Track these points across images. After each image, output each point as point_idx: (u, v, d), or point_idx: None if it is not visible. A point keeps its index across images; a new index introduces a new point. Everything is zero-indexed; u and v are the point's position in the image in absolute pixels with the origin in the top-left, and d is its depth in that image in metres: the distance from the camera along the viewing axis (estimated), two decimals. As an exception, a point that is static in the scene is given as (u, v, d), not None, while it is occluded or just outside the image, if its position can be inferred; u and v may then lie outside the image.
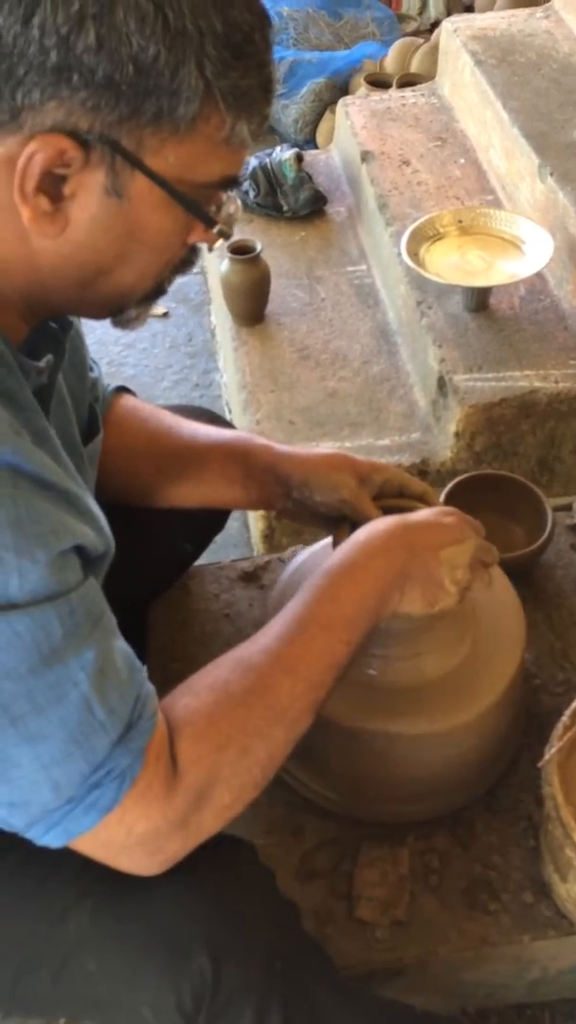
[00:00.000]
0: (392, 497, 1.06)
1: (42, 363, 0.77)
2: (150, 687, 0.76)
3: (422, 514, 0.96)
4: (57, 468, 0.72)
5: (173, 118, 0.66)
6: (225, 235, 0.76)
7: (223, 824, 0.78)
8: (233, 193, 0.77)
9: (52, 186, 0.67)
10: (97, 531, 0.76)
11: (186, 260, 0.79)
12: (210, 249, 0.80)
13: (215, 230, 0.75)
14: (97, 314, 0.80)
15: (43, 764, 0.69)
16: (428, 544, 0.91)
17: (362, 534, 0.92)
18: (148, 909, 0.78)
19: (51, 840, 0.72)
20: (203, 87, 0.65)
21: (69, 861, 0.76)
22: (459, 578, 0.92)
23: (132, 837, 0.73)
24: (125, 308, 0.79)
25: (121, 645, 0.74)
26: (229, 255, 1.88)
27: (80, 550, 0.72)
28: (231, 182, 0.74)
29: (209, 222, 0.74)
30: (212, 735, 0.76)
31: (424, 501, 1.05)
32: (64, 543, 0.68)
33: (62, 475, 0.72)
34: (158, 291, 0.80)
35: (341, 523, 1.03)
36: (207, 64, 0.65)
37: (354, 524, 1.01)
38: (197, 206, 0.72)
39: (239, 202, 0.79)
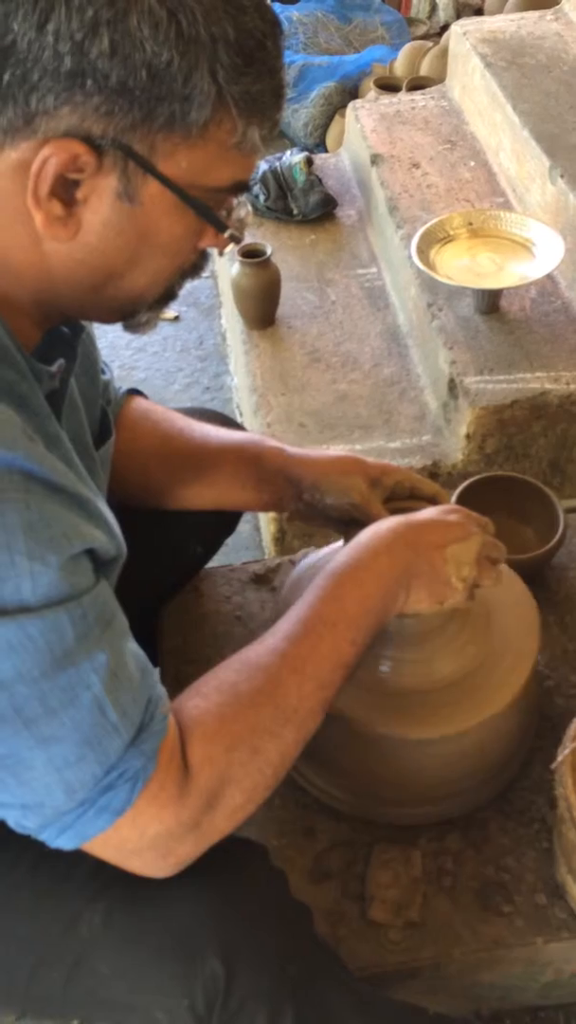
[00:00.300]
0: (403, 499, 1.06)
1: (54, 368, 0.78)
2: (161, 689, 0.76)
3: (426, 513, 0.96)
4: (68, 472, 0.73)
5: (185, 123, 0.66)
6: (236, 239, 0.77)
7: (235, 825, 0.78)
8: (244, 198, 0.77)
9: (65, 191, 0.67)
10: (108, 534, 0.76)
11: (197, 265, 0.80)
12: (220, 253, 0.80)
13: (226, 234, 0.75)
14: (108, 318, 0.80)
15: (56, 767, 0.69)
16: (432, 542, 0.91)
17: (365, 535, 0.92)
18: (161, 912, 0.78)
19: (64, 842, 0.72)
20: (215, 93, 0.66)
21: (82, 863, 0.76)
22: (465, 575, 0.92)
23: (145, 839, 0.73)
24: (136, 312, 0.79)
25: (133, 648, 0.75)
26: (239, 259, 1.89)
27: (91, 553, 0.73)
28: (242, 187, 0.74)
29: (220, 226, 0.74)
30: (222, 736, 0.77)
31: (435, 502, 1.05)
32: (75, 547, 0.69)
33: (73, 479, 0.73)
34: (169, 296, 0.80)
35: (352, 525, 1.04)
36: (219, 70, 0.65)
37: (364, 527, 1.01)
38: (208, 210, 0.72)
39: (250, 207, 0.80)
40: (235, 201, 0.76)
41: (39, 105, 0.64)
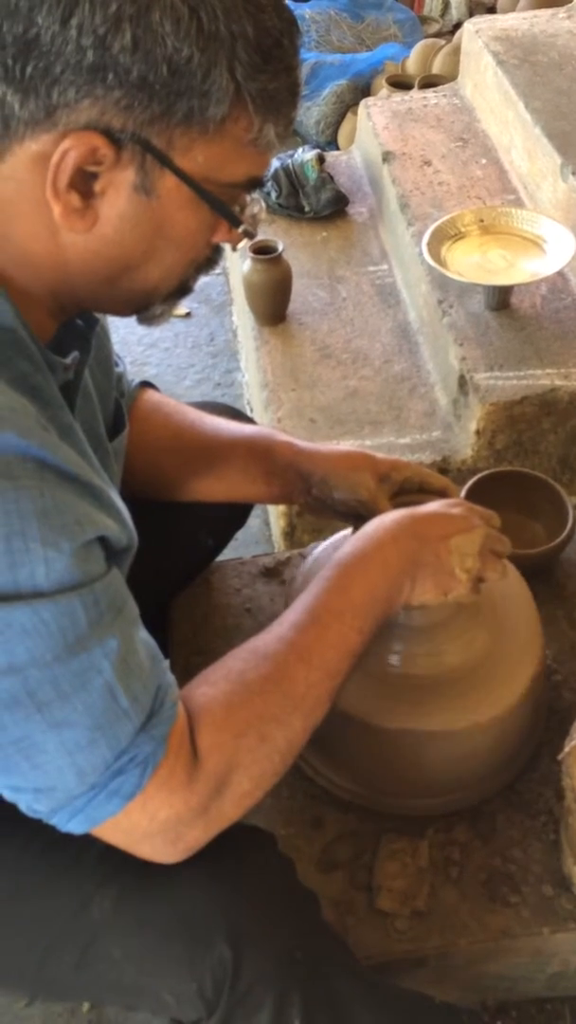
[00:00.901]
0: (413, 493, 1.07)
1: (68, 360, 0.78)
2: (171, 677, 0.77)
3: (430, 506, 0.97)
4: (81, 461, 0.74)
5: (203, 118, 0.67)
6: (250, 234, 0.77)
7: (243, 811, 0.79)
8: (258, 194, 0.79)
9: (83, 183, 0.68)
10: (120, 524, 0.77)
11: (210, 259, 0.80)
12: (234, 248, 0.81)
13: (240, 229, 0.76)
14: (123, 311, 0.81)
15: (68, 750, 0.70)
16: (436, 533, 0.92)
17: (371, 526, 0.93)
18: (170, 896, 0.79)
19: (75, 826, 0.73)
20: (233, 89, 0.67)
21: (92, 848, 0.77)
22: (469, 566, 0.93)
23: (154, 824, 0.74)
24: (151, 305, 0.80)
25: (143, 635, 0.75)
26: (251, 255, 1.89)
27: (104, 541, 0.74)
28: (256, 183, 0.75)
29: (235, 221, 0.75)
30: (231, 723, 0.78)
31: (445, 496, 1.06)
32: (88, 534, 0.70)
33: (86, 468, 0.74)
34: (183, 290, 0.81)
35: (360, 519, 1.04)
36: (238, 67, 0.66)
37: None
38: (223, 205, 0.73)
39: (263, 203, 0.81)
40: (249, 197, 0.77)
41: (60, 98, 0.65)
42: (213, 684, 0.80)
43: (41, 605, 0.66)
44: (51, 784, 0.71)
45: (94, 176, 0.68)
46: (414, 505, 1.00)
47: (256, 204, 0.78)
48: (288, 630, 0.84)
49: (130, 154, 0.68)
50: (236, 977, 0.78)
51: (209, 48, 0.65)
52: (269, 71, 0.68)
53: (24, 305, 0.72)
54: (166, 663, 0.78)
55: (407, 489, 1.07)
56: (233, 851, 0.81)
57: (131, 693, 0.71)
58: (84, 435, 0.80)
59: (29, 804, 0.73)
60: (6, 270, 0.72)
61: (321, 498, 1.08)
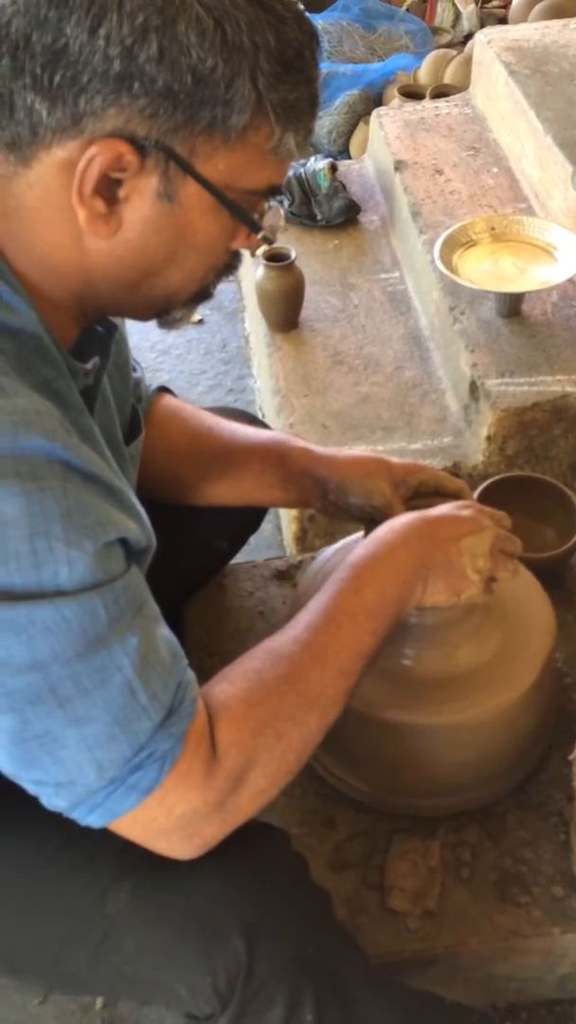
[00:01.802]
0: (427, 496, 1.07)
1: (89, 365, 0.80)
2: (191, 674, 0.78)
3: (440, 508, 0.98)
4: (103, 463, 0.75)
5: (226, 127, 0.69)
6: (268, 240, 0.79)
7: (259, 808, 0.80)
8: (277, 202, 0.80)
9: (108, 189, 0.70)
10: (140, 525, 0.79)
11: (230, 265, 0.82)
12: (252, 254, 0.83)
13: (259, 235, 0.78)
14: (144, 315, 0.83)
15: (88, 745, 0.71)
16: (447, 535, 0.93)
17: (382, 529, 0.94)
18: (185, 891, 0.80)
19: (94, 820, 0.74)
20: (255, 99, 0.68)
21: (108, 845, 0.78)
22: (480, 566, 0.94)
23: (171, 819, 0.75)
24: (171, 309, 0.82)
25: (164, 633, 0.77)
26: (264, 262, 1.91)
27: (124, 542, 0.75)
28: (276, 190, 0.77)
29: (255, 227, 0.77)
30: (249, 720, 0.79)
31: (460, 499, 1.07)
32: (110, 534, 0.71)
33: (107, 470, 0.75)
34: (203, 294, 0.83)
35: (373, 523, 1.05)
36: (260, 77, 0.68)
37: None
38: (244, 212, 0.75)
39: (282, 210, 0.82)
40: (268, 205, 0.78)
41: (87, 106, 0.66)
42: (232, 682, 0.81)
43: (64, 604, 0.68)
44: (71, 779, 0.72)
45: (119, 183, 0.70)
46: (426, 508, 1.01)
47: (275, 212, 0.79)
48: (303, 631, 0.85)
49: (154, 161, 0.69)
50: (250, 971, 0.79)
51: (233, 59, 0.67)
52: (290, 81, 0.70)
53: (48, 311, 0.74)
54: (186, 660, 0.79)
55: (422, 492, 1.08)
56: (247, 847, 0.82)
57: (151, 690, 0.72)
58: (102, 439, 0.82)
59: (50, 798, 0.74)
60: (31, 276, 0.74)
61: (336, 503, 1.09)
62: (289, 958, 0.80)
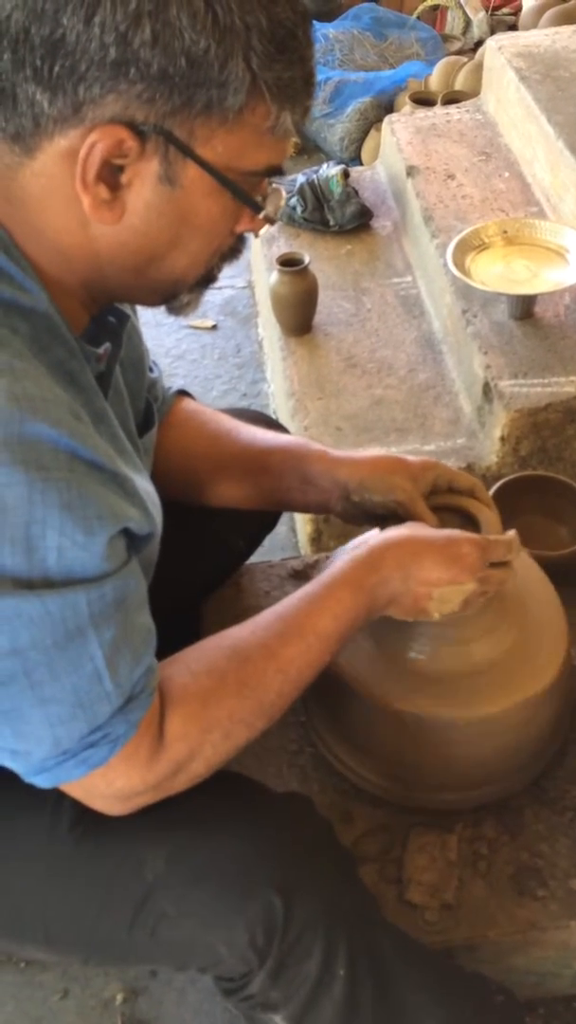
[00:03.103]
0: (443, 492, 1.08)
1: (100, 350, 0.81)
2: (154, 663, 0.80)
3: (443, 536, 0.96)
4: (110, 450, 0.76)
5: (222, 108, 0.70)
6: (271, 221, 0.80)
7: (190, 786, 0.84)
8: (277, 184, 0.80)
9: (110, 175, 0.71)
10: (143, 512, 0.80)
11: (234, 248, 0.83)
12: (256, 235, 0.83)
13: (261, 215, 0.79)
14: (152, 300, 0.84)
15: (50, 723, 0.74)
16: (427, 579, 0.94)
17: (365, 550, 0.94)
18: (220, 852, 0.83)
19: (40, 782, 0.78)
20: (250, 79, 0.69)
21: (143, 814, 0.82)
22: (446, 611, 0.96)
23: (111, 789, 0.79)
24: (178, 294, 0.83)
25: (142, 620, 0.79)
26: (278, 267, 1.93)
27: (126, 530, 0.77)
28: (276, 171, 0.77)
29: (255, 207, 0.78)
30: (202, 718, 0.82)
31: (473, 496, 1.08)
32: (109, 529, 0.72)
33: (114, 457, 0.77)
34: (209, 278, 0.83)
35: (389, 522, 1.06)
36: (253, 57, 0.69)
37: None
38: (244, 193, 0.76)
39: (284, 192, 0.83)
40: (270, 186, 0.79)
41: (86, 94, 0.67)
42: (194, 676, 0.83)
43: (49, 597, 0.70)
44: (28, 749, 0.76)
45: (120, 168, 0.71)
46: (452, 509, 1.02)
47: (277, 193, 0.80)
48: (274, 639, 0.87)
49: (154, 145, 0.70)
50: (286, 925, 0.82)
51: (225, 40, 0.67)
52: (284, 60, 0.70)
53: (58, 296, 0.75)
54: (153, 647, 0.81)
55: (437, 487, 1.08)
56: (276, 811, 0.86)
57: (116, 679, 0.75)
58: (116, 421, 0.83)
59: (2, 759, 0.78)
60: (40, 263, 0.75)
61: (359, 503, 1.08)
62: (323, 911, 0.84)
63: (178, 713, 0.81)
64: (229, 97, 0.69)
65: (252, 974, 0.85)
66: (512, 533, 1.00)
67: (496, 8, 3.45)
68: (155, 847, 0.84)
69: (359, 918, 0.87)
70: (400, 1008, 0.89)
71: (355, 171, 2.47)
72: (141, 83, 0.67)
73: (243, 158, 0.74)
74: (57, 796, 0.80)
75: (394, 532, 0.97)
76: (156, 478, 1.03)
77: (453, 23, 3.47)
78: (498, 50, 2.36)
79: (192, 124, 0.70)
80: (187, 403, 1.15)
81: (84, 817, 0.84)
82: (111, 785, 0.79)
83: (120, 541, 0.75)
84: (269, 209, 0.79)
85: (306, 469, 1.10)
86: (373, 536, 0.98)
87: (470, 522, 1.04)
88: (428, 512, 1.05)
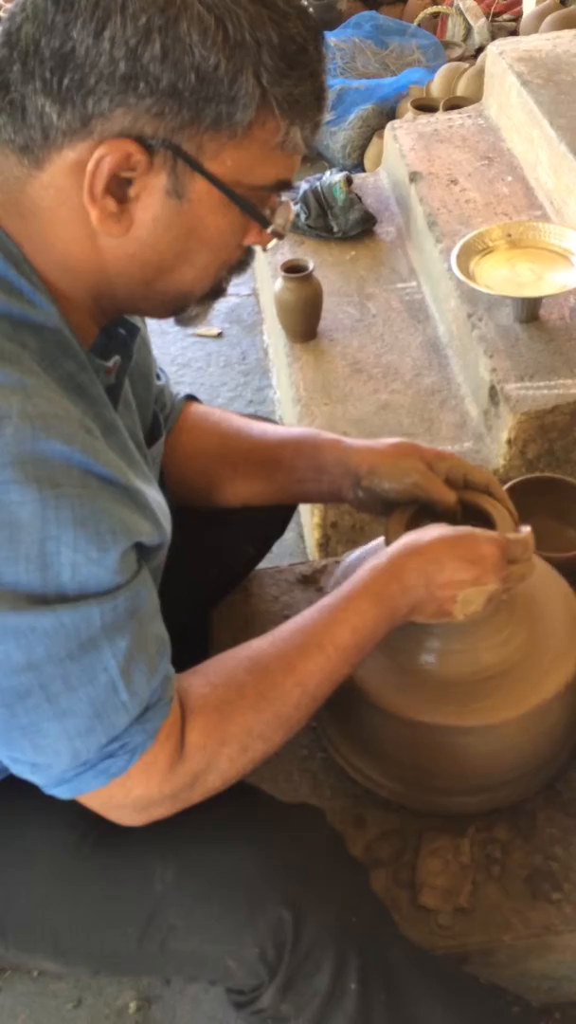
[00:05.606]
0: (457, 486, 1.06)
1: (110, 363, 0.82)
2: (171, 671, 0.80)
3: (462, 537, 0.94)
4: (121, 463, 0.77)
5: (231, 123, 0.70)
6: (279, 235, 0.80)
7: (207, 798, 0.83)
8: (287, 197, 0.81)
9: (118, 188, 0.71)
10: (154, 524, 0.81)
11: (242, 261, 0.83)
12: (264, 249, 0.83)
13: (269, 230, 0.79)
14: (160, 312, 0.84)
15: (68, 736, 0.74)
16: (449, 581, 0.92)
17: (385, 559, 0.93)
18: (229, 866, 0.83)
19: (60, 793, 0.78)
20: (259, 94, 0.69)
21: (154, 827, 0.82)
22: (470, 611, 0.95)
23: (128, 799, 0.79)
24: (186, 306, 0.83)
25: (156, 629, 0.79)
26: (283, 274, 1.93)
27: (137, 542, 0.77)
28: (285, 186, 0.78)
29: (264, 222, 0.78)
30: (221, 730, 0.81)
31: (488, 492, 1.06)
32: (122, 543, 0.73)
33: (125, 470, 0.77)
34: (217, 291, 0.84)
35: (399, 508, 1.05)
36: (263, 73, 0.69)
37: (416, 512, 1.03)
38: (253, 207, 0.76)
39: (293, 206, 0.83)
40: (279, 200, 0.79)
41: (95, 108, 0.68)
42: (214, 687, 0.83)
43: (63, 610, 0.70)
44: (48, 762, 0.76)
45: (128, 182, 0.71)
46: (465, 505, 1.01)
47: (285, 207, 0.80)
48: (294, 651, 0.87)
49: (162, 159, 0.71)
50: (296, 939, 0.81)
51: (235, 55, 0.68)
52: (294, 76, 0.70)
53: (67, 309, 0.76)
54: (168, 656, 0.80)
55: (452, 480, 1.06)
56: (287, 823, 0.86)
57: (132, 689, 0.75)
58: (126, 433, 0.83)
59: (23, 773, 0.78)
60: (49, 275, 0.75)
61: (371, 489, 1.06)
62: (334, 926, 0.83)
63: (197, 723, 0.81)
64: (238, 112, 0.70)
65: (262, 988, 0.84)
66: (528, 530, 1.00)
67: (496, 14, 3.46)
68: (165, 860, 0.84)
69: (371, 931, 0.85)
70: (414, 1022, 0.87)
71: (358, 178, 2.48)
72: (150, 97, 0.68)
73: (252, 173, 0.74)
74: (68, 808, 0.80)
75: (412, 538, 0.95)
76: (170, 483, 1.03)
77: (454, 30, 3.48)
78: (499, 55, 2.36)
79: (201, 139, 0.70)
80: (196, 406, 1.16)
81: (94, 829, 0.84)
82: (129, 794, 0.78)
83: (132, 553, 0.76)
84: (277, 223, 0.79)
85: (319, 458, 1.10)
86: (396, 547, 0.95)
87: (483, 519, 1.03)
88: (446, 489, 1.03)
